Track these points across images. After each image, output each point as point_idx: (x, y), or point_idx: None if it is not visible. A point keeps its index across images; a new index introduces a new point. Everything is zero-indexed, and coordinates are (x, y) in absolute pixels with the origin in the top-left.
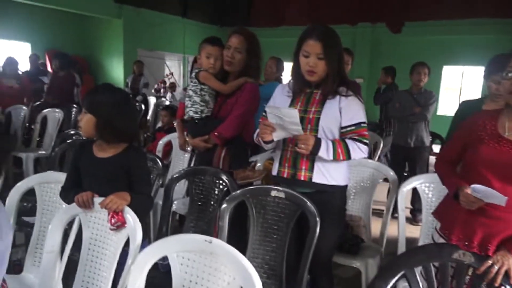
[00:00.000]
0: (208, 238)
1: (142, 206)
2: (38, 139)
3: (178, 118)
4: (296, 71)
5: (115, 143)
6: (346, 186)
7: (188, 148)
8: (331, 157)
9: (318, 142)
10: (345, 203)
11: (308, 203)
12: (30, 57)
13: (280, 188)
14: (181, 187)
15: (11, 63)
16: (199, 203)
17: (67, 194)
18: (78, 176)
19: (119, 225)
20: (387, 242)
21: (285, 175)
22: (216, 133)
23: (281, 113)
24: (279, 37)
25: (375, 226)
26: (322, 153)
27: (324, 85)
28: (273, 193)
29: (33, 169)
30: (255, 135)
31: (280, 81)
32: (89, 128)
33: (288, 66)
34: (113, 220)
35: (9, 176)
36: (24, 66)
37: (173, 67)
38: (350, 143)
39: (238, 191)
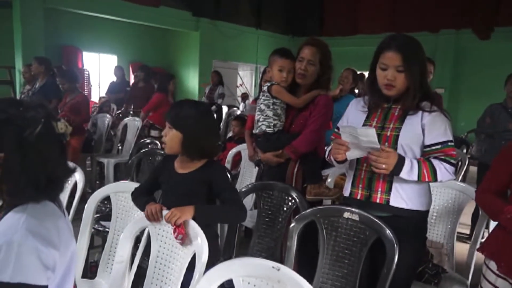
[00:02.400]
0: (276, 265)
1: (222, 216)
2: (119, 145)
3: (247, 130)
4: (372, 85)
5: (199, 159)
6: (426, 212)
7: None
8: (415, 178)
9: (401, 161)
10: (425, 231)
11: (386, 229)
12: (115, 69)
13: (355, 210)
14: (249, 198)
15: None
16: (267, 218)
17: (139, 196)
18: (154, 185)
19: (181, 237)
20: (474, 272)
21: (358, 197)
22: (291, 148)
23: (357, 132)
24: (352, 46)
25: (458, 252)
26: (404, 173)
27: (404, 100)
28: (346, 214)
29: (113, 174)
30: (326, 153)
31: (353, 93)
32: (174, 144)
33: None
34: (175, 233)
35: (93, 179)
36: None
37: (245, 77)
38: (436, 163)
39: (308, 210)
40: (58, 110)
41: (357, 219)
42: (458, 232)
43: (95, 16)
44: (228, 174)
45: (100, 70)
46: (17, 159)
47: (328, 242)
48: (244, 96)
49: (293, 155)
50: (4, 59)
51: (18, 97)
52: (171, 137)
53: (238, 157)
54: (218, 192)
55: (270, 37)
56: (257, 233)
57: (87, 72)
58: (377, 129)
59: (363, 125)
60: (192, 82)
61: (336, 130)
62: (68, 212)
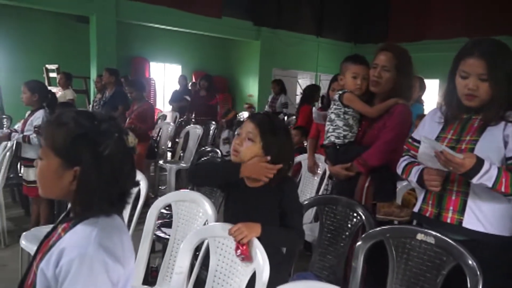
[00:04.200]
0: None
1: (283, 240)
2: (181, 152)
3: (310, 138)
4: (449, 94)
5: (276, 182)
6: None
7: (319, 171)
8: (489, 184)
9: (479, 164)
10: None
11: (468, 256)
12: (179, 78)
13: (431, 232)
14: (309, 211)
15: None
16: (329, 235)
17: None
18: None
19: (243, 257)
20: None
21: (427, 214)
22: (360, 161)
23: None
24: (419, 52)
25: None
26: (479, 177)
27: (488, 111)
28: (420, 236)
29: (175, 180)
30: (400, 169)
31: (421, 101)
32: (249, 157)
33: (429, 84)
34: (238, 251)
35: (156, 184)
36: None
37: (305, 85)
38: None
39: (377, 229)
40: (126, 117)
41: (433, 242)
42: None
43: (161, 28)
44: (297, 192)
45: (165, 79)
46: (92, 173)
47: (398, 266)
48: None
49: (363, 168)
50: (81, 70)
51: (91, 105)
52: (250, 151)
53: (297, 167)
54: (284, 211)
55: (331, 44)
56: (319, 249)
57: (153, 81)
58: (451, 142)
59: (437, 137)
60: (252, 90)
61: (409, 140)
62: (132, 217)
